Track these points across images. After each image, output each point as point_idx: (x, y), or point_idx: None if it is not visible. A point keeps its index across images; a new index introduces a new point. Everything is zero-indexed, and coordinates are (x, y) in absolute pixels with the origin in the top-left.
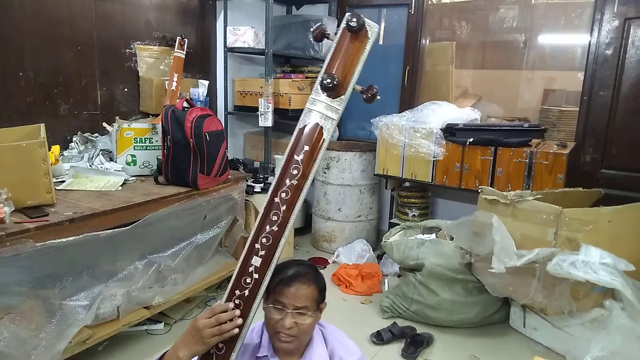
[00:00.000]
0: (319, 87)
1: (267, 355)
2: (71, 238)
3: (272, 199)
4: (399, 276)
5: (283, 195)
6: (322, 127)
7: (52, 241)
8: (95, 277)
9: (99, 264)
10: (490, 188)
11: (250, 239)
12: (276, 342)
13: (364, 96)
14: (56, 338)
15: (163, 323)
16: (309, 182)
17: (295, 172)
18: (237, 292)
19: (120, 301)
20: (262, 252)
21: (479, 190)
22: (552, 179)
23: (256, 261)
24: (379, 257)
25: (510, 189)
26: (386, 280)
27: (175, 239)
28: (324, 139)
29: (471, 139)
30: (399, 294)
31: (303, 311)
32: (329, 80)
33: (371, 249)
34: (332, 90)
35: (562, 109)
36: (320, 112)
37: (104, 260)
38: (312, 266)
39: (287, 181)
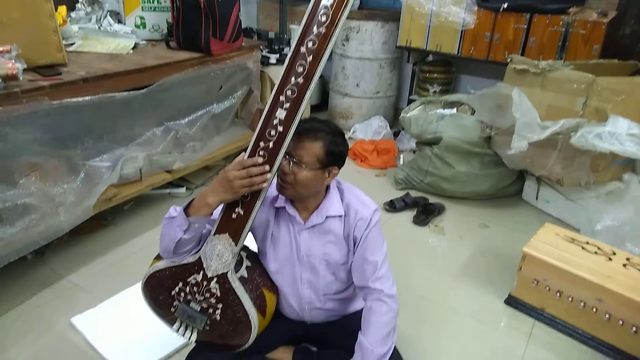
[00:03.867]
0: None
1: (284, 206)
2: (87, 97)
3: (298, 48)
4: (414, 152)
5: (310, 44)
6: None
7: (67, 100)
8: (115, 141)
9: (118, 128)
10: (521, 57)
11: (274, 91)
12: (277, 186)
13: None
14: (84, 195)
15: (185, 187)
16: (338, 30)
17: (323, 18)
18: (262, 144)
19: (142, 164)
20: (286, 105)
21: (509, 60)
22: (587, 51)
23: (280, 114)
24: (396, 134)
25: (541, 60)
26: (401, 156)
27: (191, 107)
28: None
29: (506, 4)
30: (414, 167)
31: (300, 163)
32: None
33: (388, 126)
34: None
35: None
36: None
37: (123, 125)
38: (331, 127)
39: (315, 29)
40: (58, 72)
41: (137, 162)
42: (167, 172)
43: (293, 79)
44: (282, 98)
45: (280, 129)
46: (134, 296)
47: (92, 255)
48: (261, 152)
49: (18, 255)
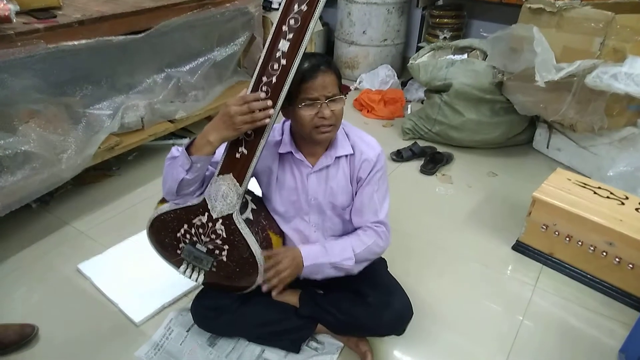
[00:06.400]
0: None
1: (290, 152)
2: (83, 41)
3: None
4: (422, 102)
5: None
6: None
7: (64, 43)
8: (115, 89)
9: (118, 75)
10: None
11: (276, 21)
12: (317, 135)
13: None
14: (85, 143)
15: (188, 138)
16: None
17: None
18: (264, 79)
19: (144, 112)
20: (289, 36)
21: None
22: None
23: (283, 45)
24: (404, 84)
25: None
26: (409, 106)
27: (191, 54)
28: None
29: None
30: (422, 116)
31: (335, 98)
32: None
33: (396, 75)
34: None
35: None
36: None
37: (122, 71)
38: (323, 55)
39: None
40: (53, 14)
41: (138, 110)
42: (169, 121)
43: (296, 6)
44: (284, 28)
45: (283, 62)
46: (140, 243)
47: (97, 205)
48: (264, 88)
49: (21, 204)
